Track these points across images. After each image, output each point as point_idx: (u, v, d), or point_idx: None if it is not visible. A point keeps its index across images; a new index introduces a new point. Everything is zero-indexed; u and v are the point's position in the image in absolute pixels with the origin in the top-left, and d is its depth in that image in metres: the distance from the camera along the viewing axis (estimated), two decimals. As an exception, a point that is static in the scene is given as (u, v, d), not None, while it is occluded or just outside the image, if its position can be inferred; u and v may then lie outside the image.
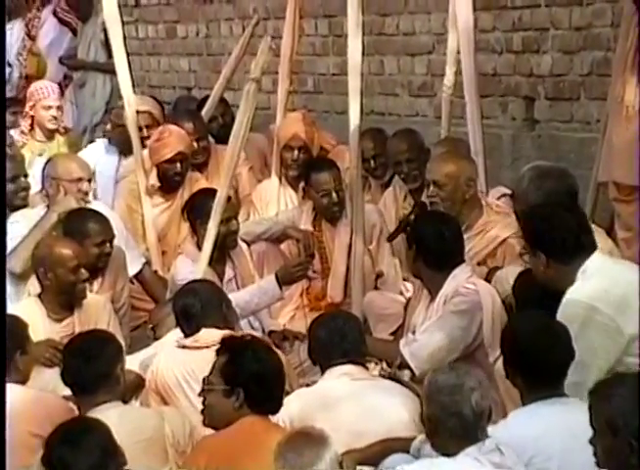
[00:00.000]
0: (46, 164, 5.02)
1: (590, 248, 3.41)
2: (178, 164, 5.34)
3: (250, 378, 3.16)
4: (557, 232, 3.39)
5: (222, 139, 5.66)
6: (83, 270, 4.23)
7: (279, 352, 3.56)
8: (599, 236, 3.70)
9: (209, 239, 4.67)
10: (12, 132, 6.10)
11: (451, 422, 2.91)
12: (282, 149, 5.39)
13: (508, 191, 4.80)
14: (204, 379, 3.28)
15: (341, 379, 3.54)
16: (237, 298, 4.45)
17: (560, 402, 3.14)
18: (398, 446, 3.25)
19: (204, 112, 5.88)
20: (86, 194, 4.86)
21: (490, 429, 3.06)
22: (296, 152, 5.33)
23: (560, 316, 3.28)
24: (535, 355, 3.15)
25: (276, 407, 3.24)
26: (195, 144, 5.50)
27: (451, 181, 4.39)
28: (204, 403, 3.26)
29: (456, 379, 2.94)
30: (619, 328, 3.27)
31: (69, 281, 4.20)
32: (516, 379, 3.21)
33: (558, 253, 3.37)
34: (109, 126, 6.02)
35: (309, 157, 5.35)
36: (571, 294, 3.33)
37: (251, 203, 5.47)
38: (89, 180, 4.91)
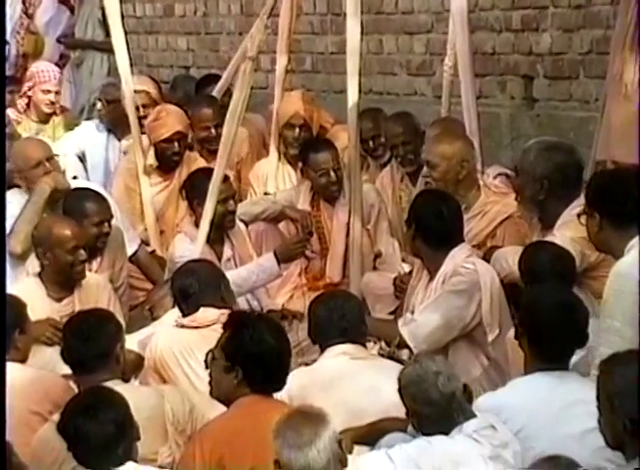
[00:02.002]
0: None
1: None
2: (176, 144, 5.33)
3: (247, 357, 3.16)
4: (615, 195, 3.34)
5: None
6: (82, 251, 4.24)
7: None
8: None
9: (206, 218, 4.67)
10: (8, 111, 6.08)
11: (425, 410, 2.97)
12: (283, 127, 5.37)
13: (505, 170, 4.80)
14: (209, 351, 3.28)
15: (339, 358, 3.55)
16: (235, 275, 4.46)
17: (561, 376, 3.16)
18: (396, 425, 3.26)
19: (215, 94, 5.79)
20: (55, 169, 4.72)
21: (488, 395, 3.09)
22: (297, 130, 5.33)
23: (608, 286, 3.25)
24: (549, 330, 3.16)
25: (278, 387, 3.23)
26: (213, 130, 5.46)
27: (443, 162, 4.38)
28: (210, 375, 3.27)
29: (419, 369, 2.99)
30: None
31: (67, 262, 4.21)
32: (523, 345, 3.24)
33: (613, 215, 3.33)
34: (99, 105, 6.00)
35: (310, 135, 5.34)
36: (618, 267, 3.26)
37: (248, 181, 5.47)
38: (51, 157, 4.78)
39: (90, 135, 5.94)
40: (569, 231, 3.88)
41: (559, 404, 3.09)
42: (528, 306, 3.28)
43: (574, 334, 3.20)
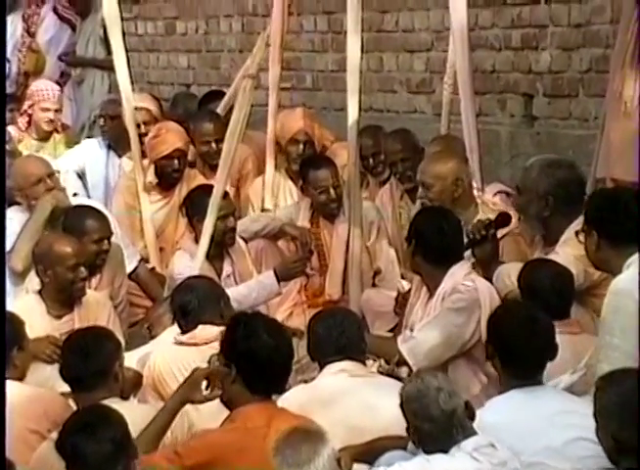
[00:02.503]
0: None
1: None
2: (176, 161, 5.34)
3: (240, 355, 3.14)
4: (613, 213, 3.36)
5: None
6: (82, 269, 4.25)
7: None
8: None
9: (206, 235, 4.68)
10: (9, 129, 6.10)
11: (426, 426, 2.96)
12: (287, 142, 5.38)
13: (505, 188, 4.81)
14: (213, 355, 3.27)
15: (338, 375, 3.54)
16: (235, 292, 4.47)
17: (535, 391, 3.20)
18: (395, 444, 3.25)
19: (219, 111, 5.78)
20: (56, 187, 4.77)
21: None
22: (301, 146, 5.36)
23: (606, 303, 3.27)
24: (515, 345, 3.22)
25: (276, 388, 3.20)
26: (214, 145, 5.47)
27: (438, 182, 4.40)
28: None
29: (421, 384, 2.99)
30: None
31: (68, 279, 4.22)
32: (496, 365, 3.29)
33: (611, 234, 3.34)
34: (101, 121, 6.02)
35: (313, 152, 5.36)
36: (615, 284, 3.27)
37: (248, 198, 5.47)
38: (51, 174, 4.82)
39: (90, 152, 5.96)
40: (571, 249, 3.88)
41: (537, 418, 3.12)
42: (494, 325, 3.32)
43: (541, 347, 3.24)
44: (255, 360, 3.13)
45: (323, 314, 3.72)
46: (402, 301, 4.45)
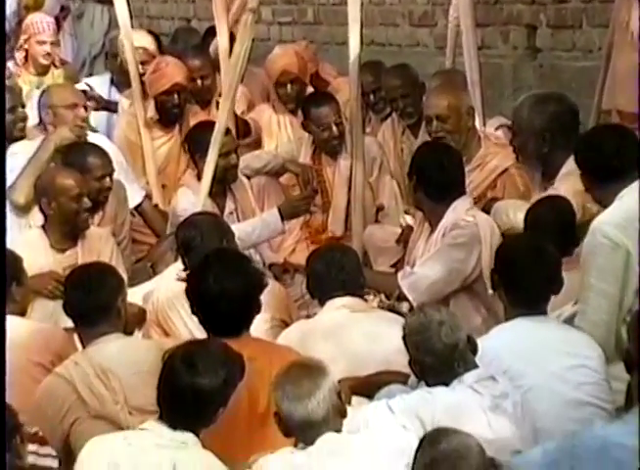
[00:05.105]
0: (41, 94, 5.02)
1: (633, 172, 3.30)
2: (175, 96, 5.29)
3: (205, 301, 3.16)
4: (588, 152, 3.38)
5: None
6: (86, 199, 4.24)
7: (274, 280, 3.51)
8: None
9: (208, 171, 4.67)
10: (8, 64, 6.03)
11: (428, 359, 2.97)
12: (275, 85, 5.36)
13: (507, 122, 4.77)
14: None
15: (340, 311, 3.55)
16: (238, 229, 4.46)
17: (539, 320, 3.21)
18: (395, 379, 3.27)
19: (212, 46, 5.74)
20: (83, 120, 4.83)
21: None
22: (288, 86, 5.32)
23: (584, 242, 3.29)
24: (521, 273, 3.22)
25: (240, 329, 3.19)
26: (199, 82, 5.43)
27: (453, 112, 4.36)
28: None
29: (424, 318, 2.99)
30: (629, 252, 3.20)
31: (72, 210, 4.21)
32: (501, 294, 3.30)
33: (596, 174, 3.36)
34: (106, 58, 5.95)
35: (304, 87, 5.32)
36: (594, 223, 3.29)
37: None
38: (85, 107, 4.87)
39: (93, 89, 5.90)
40: (570, 184, 3.86)
41: (540, 345, 3.15)
42: (501, 254, 3.33)
43: (546, 277, 3.23)
44: (220, 307, 3.13)
45: (321, 251, 3.72)
46: (407, 233, 4.45)
